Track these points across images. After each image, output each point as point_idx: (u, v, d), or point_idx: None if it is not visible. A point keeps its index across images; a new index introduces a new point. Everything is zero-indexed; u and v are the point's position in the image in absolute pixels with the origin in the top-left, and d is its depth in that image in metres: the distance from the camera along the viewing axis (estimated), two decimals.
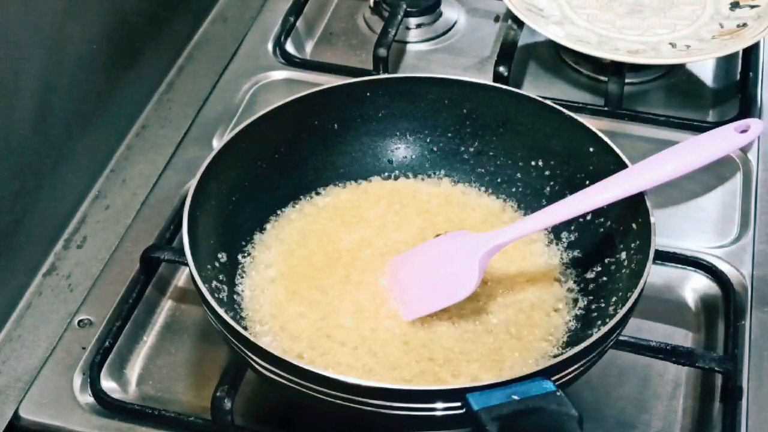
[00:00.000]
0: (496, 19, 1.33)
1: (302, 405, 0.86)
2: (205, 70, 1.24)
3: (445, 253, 0.92)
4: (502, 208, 1.01)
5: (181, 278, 1.03)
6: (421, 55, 1.29)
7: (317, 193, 1.01)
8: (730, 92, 1.22)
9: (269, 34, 1.28)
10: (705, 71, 1.25)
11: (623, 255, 0.90)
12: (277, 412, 0.90)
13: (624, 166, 0.91)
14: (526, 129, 1.00)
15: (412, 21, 1.31)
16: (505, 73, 1.17)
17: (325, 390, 0.76)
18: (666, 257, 1.00)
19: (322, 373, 0.76)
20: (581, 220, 0.96)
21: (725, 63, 1.25)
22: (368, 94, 1.01)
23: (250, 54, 1.26)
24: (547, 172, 0.99)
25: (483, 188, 1.02)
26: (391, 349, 0.88)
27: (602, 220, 0.94)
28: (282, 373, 0.78)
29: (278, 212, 0.99)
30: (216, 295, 0.86)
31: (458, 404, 0.75)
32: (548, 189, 0.99)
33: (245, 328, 0.84)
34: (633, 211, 0.89)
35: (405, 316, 0.89)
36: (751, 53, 1.22)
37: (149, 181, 1.10)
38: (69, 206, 1.07)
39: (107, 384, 0.92)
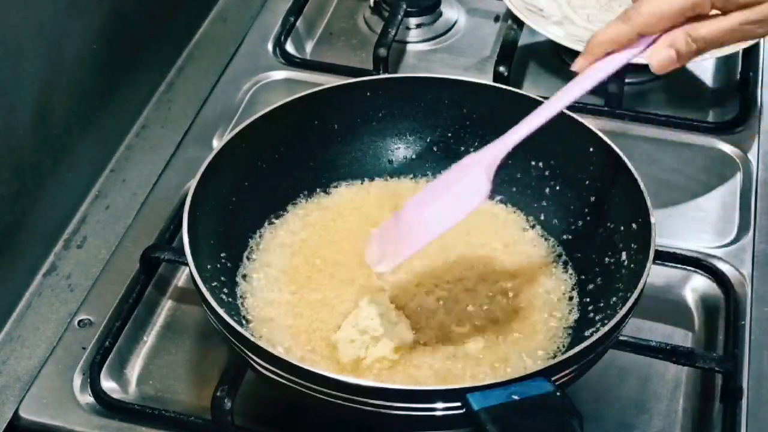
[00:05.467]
0: (496, 19, 1.33)
1: (302, 405, 0.86)
2: (205, 70, 1.24)
3: (450, 177, 0.89)
4: (502, 208, 1.01)
5: (181, 278, 1.03)
6: (421, 55, 1.29)
7: (317, 194, 1.01)
8: (730, 92, 1.22)
9: (269, 34, 1.28)
10: (705, 71, 1.25)
11: (623, 255, 0.90)
12: (277, 412, 0.90)
13: (624, 165, 0.91)
14: None
15: (412, 21, 1.31)
16: (505, 73, 1.17)
17: (325, 390, 0.76)
18: (666, 257, 1.00)
19: (322, 373, 0.76)
20: (581, 221, 0.96)
21: (725, 63, 1.25)
22: (368, 94, 1.01)
23: (250, 54, 1.26)
24: (547, 172, 0.99)
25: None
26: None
27: (602, 220, 0.94)
28: (282, 373, 0.78)
29: (278, 212, 0.99)
30: (216, 295, 0.86)
31: (458, 404, 0.75)
32: (548, 189, 0.99)
33: (245, 329, 0.84)
34: (633, 211, 0.89)
35: (421, 241, 0.85)
36: (751, 53, 1.23)
37: (149, 181, 1.10)
38: (69, 206, 1.07)
39: (107, 384, 0.92)
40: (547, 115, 0.85)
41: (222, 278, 0.90)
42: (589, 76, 0.83)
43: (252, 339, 0.78)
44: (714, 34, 0.77)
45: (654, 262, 0.84)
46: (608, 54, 0.82)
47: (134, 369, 0.95)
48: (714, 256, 1.02)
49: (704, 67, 1.25)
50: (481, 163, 0.85)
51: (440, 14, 1.33)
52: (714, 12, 0.78)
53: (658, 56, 0.79)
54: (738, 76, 1.23)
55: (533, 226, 0.99)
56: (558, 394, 0.74)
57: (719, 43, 0.78)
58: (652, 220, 0.87)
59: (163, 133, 1.16)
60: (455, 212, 0.85)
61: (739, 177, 1.11)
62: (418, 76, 1.06)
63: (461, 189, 0.85)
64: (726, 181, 1.11)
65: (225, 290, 0.90)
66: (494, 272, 0.94)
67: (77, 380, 0.92)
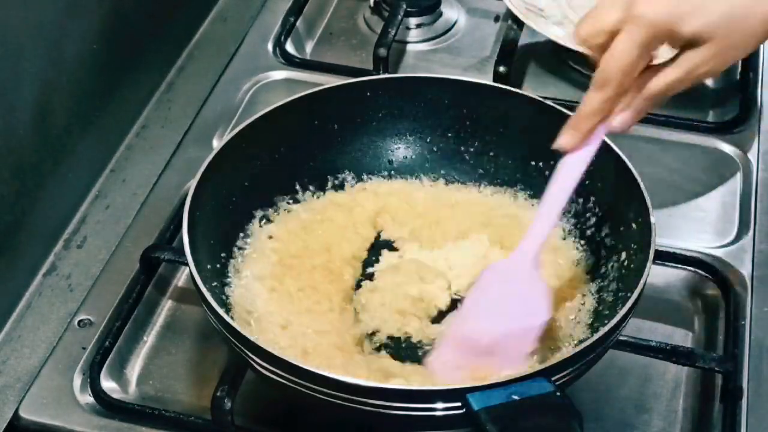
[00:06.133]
0: (496, 19, 1.33)
1: (302, 405, 0.86)
2: (205, 70, 1.24)
3: (506, 297, 0.87)
4: (502, 208, 1.01)
5: (181, 278, 1.03)
6: (421, 55, 1.29)
7: (317, 193, 1.01)
8: (730, 92, 1.22)
9: (269, 34, 1.28)
10: None
11: (623, 255, 0.90)
12: (277, 412, 0.90)
13: (624, 165, 0.91)
14: (526, 129, 1.00)
15: (412, 21, 1.31)
16: (505, 73, 1.17)
17: (325, 390, 0.76)
18: (666, 257, 1.00)
19: (322, 373, 0.76)
20: (581, 221, 0.96)
21: None
22: (368, 94, 1.01)
23: (250, 54, 1.26)
24: (547, 173, 0.99)
25: (483, 188, 1.02)
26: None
27: (602, 220, 0.94)
28: (282, 373, 0.78)
29: (278, 212, 0.99)
30: (216, 295, 0.86)
31: (458, 404, 0.75)
32: None
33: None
34: (633, 211, 0.89)
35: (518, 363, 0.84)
36: (750, 53, 1.22)
37: (149, 181, 1.10)
38: (69, 206, 1.07)
39: (107, 384, 0.92)
40: (561, 204, 0.85)
41: (222, 278, 0.90)
42: (582, 156, 0.84)
43: (252, 339, 0.78)
44: (663, 87, 0.82)
45: (654, 262, 0.84)
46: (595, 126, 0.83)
47: (134, 369, 0.95)
48: (714, 256, 1.02)
49: None
50: (534, 278, 0.85)
51: (440, 14, 1.33)
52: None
53: (621, 118, 0.82)
54: (738, 76, 1.23)
55: None
56: (558, 394, 0.74)
57: (671, 92, 0.83)
58: (652, 220, 0.87)
59: (163, 133, 1.16)
60: (530, 329, 0.84)
61: (739, 177, 1.11)
62: (418, 76, 1.06)
63: (526, 312, 0.85)
64: (726, 181, 1.11)
65: (225, 291, 0.90)
66: None
67: (77, 380, 0.92)
